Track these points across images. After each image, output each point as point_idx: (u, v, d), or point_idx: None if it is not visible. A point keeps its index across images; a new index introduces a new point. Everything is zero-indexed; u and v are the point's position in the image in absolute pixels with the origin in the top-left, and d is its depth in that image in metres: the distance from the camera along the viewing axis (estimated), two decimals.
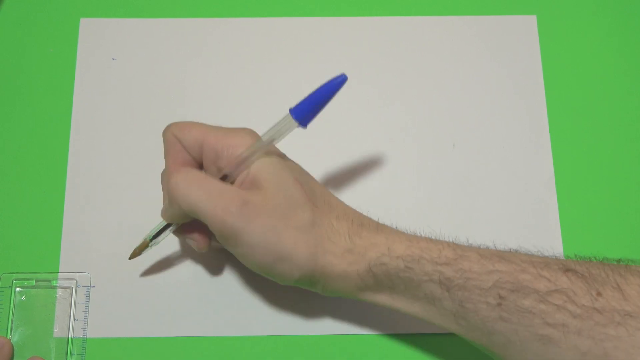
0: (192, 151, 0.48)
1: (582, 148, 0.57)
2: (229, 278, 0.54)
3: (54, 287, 0.53)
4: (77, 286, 0.53)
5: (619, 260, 0.45)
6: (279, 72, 0.59)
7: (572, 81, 0.59)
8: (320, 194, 0.48)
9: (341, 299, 0.49)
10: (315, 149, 0.57)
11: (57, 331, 0.52)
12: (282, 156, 0.49)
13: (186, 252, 0.54)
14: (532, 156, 0.57)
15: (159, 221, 0.50)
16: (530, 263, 0.44)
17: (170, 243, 0.54)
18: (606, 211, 0.55)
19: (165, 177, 0.49)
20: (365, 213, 0.49)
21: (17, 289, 0.52)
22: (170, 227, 0.50)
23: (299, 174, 0.48)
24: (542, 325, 0.42)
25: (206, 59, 0.59)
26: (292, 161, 0.50)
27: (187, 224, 0.50)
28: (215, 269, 0.54)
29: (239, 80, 0.58)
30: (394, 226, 0.49)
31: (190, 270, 0.54)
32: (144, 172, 0.56)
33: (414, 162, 0.57)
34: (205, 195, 0.46)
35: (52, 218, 0.55)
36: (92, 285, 0.53)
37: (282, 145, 0.49)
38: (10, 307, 0.52)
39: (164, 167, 0.50)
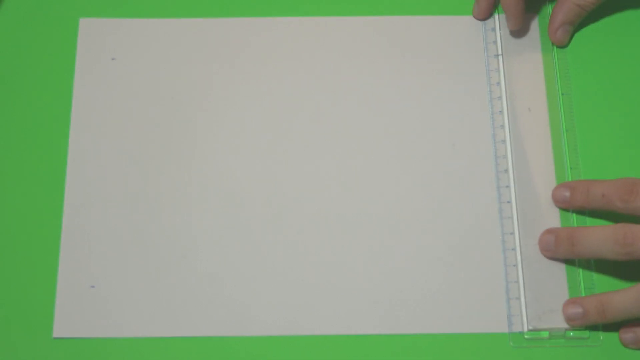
0: None
1: (582, 147, 0.57)
2: (229, 278, 0.54)
3: None
4: None
5: None
6: (279, 72, 0.59)
7: (572, 78, 0.59)
8: None
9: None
10: (314, 149, 0.57)
11: None
12: None
13: (186, 253, 0.54)
14: (532, 156, 0.57)
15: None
16: None
17: (170, 244, 0.54)
18: (606, 211, 0.55)
19: None
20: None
21: None
22: None
23: None
24: None
25: (206, 59, 0.59)
26: None
27: None
28: (215, 269, 0.54)
29: (239, 81, 0.58)
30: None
31: (190, 270, 0.54)
32: (144, 172, 0.56)
33: (413, 162, 0.56)
34: None
35: (51, 218, 0.55)
36: (92, 285, 0.53)
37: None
38: None
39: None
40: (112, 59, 0.59)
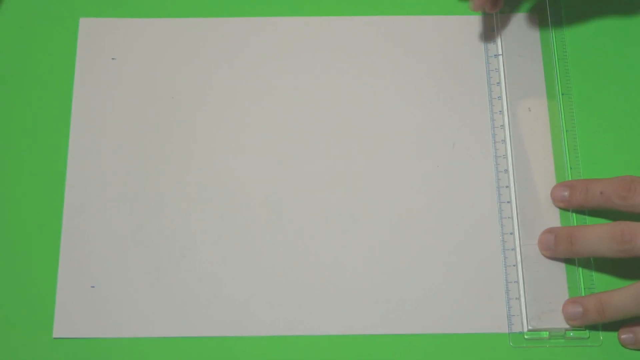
0: None
1: (582, 147, 0.57)
2: (229, 278, 0.54)
3: None
4: None
5: None
6: (279, 72, 0.59)
7: (572, 78, 0.59)
8: None
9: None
10: (314, 149, 0.57)
11: None
12: None
13: (186, 253, 0.54)
14: (532, 156, 0.56)
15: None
16: None
17: (169, 244, 0.54)
18: (605, 209, 0.55)
19: None
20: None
21: None
22: None
23: None
24: None
25: (206, 58, 0.59)
26: None
27: None
28: (215, 269, 0.54)
29: (239, 80, 0.58)
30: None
31: (190, 270, 0.54)
32: (144, 172, 0.56)
33: (413, 162, 0.56)
34: None
35: (51, 218, 0.55)
36: (92, 285, 0.53)
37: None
38: None
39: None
40: (112, 59, 0.59)
